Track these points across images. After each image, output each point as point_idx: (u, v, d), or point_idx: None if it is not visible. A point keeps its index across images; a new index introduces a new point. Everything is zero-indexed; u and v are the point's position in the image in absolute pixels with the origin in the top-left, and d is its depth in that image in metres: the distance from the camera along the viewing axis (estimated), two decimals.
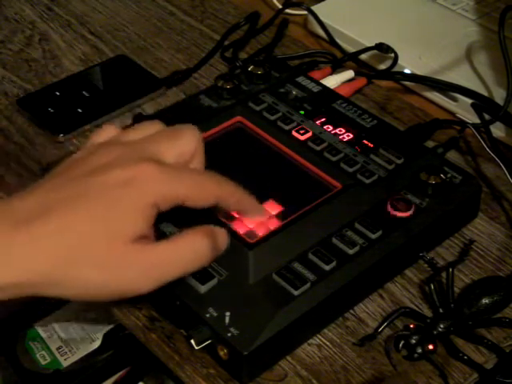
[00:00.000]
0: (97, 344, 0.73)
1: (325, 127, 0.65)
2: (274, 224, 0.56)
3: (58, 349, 0.73)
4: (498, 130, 0.69)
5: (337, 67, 0.77)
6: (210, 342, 0.52)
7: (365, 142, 0.64)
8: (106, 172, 0.49)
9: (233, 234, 0.56)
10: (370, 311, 0.57)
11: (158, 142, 0.52)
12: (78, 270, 0.48)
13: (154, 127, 0.54)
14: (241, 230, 0.56)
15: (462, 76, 0.74)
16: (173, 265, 0.50)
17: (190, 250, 0.50)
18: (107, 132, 0.54)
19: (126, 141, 0.53)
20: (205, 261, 0.51)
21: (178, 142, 0.53)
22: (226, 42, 0.81)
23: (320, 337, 0.55)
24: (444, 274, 0.57)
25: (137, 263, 0.49)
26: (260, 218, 0.56)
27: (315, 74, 0.73)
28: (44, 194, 0.49)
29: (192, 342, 0.52)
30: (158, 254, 0.49)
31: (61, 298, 0.50)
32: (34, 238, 0.47)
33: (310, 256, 0.55)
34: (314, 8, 0.82)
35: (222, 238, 0.52)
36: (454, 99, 0.73)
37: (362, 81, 0.76)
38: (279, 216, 0.57)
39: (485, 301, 0.55)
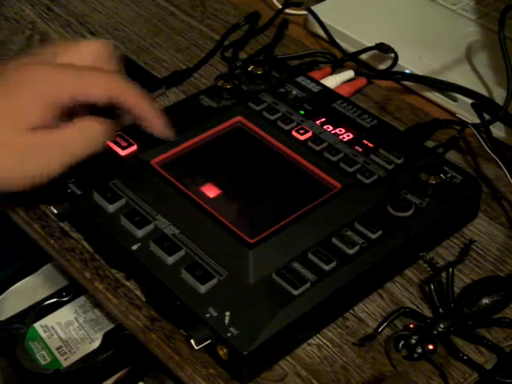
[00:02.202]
0: (97, 344, 0.73)
1: (325, 127, 0.65)
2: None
3: (57, 349, 0.73)
4: (498, 130, 0.69)
5: (337, 67, 0.77)
6: (209, 341, 0.52)
7: (365, 142, 0.64)
8: (15, 71, 0.56)
9: (233, 233, 0.56)
10: (369, 311, 0.57)
11: (60, 47, 0.59)
12: None
13: (63, 41, 0.64)
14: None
15: (461, 76, 0.74)
16: (70, 143, 0.55)
17: (84, 129, 0.56)
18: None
19: (43, 52, 0.59)
20: (99, 141, 0.57)
21: (79, 51, 0.58)
22: (226, 42, 0.81)
23: (320, 337, 0.55)
24: (444, 274, 0.57)
25: (37, 145, 0.54)
26: (160, 131, 0.59)
27: (315, 74, 0.73)
28: None
29: (192, 341, 0.52)
30: (54, 135, 0.55)
31: None
32: None
33: (310, 256, 0.55)
34: (314, 8, 0.82)
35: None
36: (454, 99, 0.73)
37: (362, 81, 0.76)
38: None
39: (485, 301, 0.55)
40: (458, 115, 0.73)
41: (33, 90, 0.55)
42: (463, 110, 0.72)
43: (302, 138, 0.64)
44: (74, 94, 0.55)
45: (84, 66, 0.57)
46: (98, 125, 0.57)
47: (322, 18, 0.81)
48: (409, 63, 0.75)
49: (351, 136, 0.64)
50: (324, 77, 0.74)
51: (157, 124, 0.59)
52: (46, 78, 0.55)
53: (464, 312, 0.55)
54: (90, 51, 0.58)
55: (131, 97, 0.57)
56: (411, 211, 0.58)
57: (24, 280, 0.80)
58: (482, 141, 0.65)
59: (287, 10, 0.84)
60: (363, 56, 0.78)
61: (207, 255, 0.55)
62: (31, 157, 0.54)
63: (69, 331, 0.74)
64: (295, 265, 0.54)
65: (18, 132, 0.54)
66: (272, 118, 0.66)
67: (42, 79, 0.55)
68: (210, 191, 0.60)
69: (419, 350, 0.52)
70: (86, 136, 0.56)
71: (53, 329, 0.74)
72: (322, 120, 0.66)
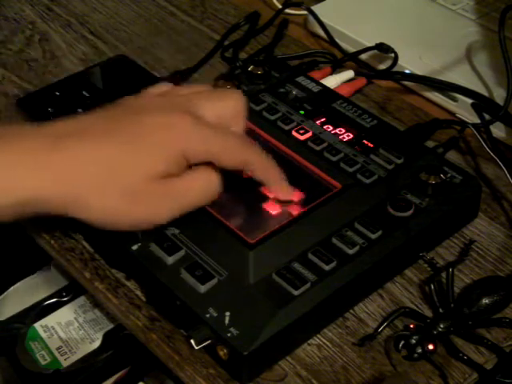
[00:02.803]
0: (97, 344, 0.73)
1: (325, 127, 0.65)
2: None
3: (57, 349, 0.73)
4: (497, 130, 0.69)
5: (337, 67, 0.77)
6: (209, 341, 0.52)
7: (365, 141, 0.64)
8: (146, 114, 0.54)
9: (233, 233, 0.56)
10: (369, 311, 0.57)
11: (203, 100, 0.56)
12: (103, 195, 0.51)
13: (203, 87, 0.59)
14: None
15: (461, 76, 0.74)
16: (188, 194, 0.54)
17: (204, 181, 0.54)
18: (161, 87, 0.59)
19: (174, 94, 0.57)
20: (215, 193, 0.55)
21: (220, 103, 0.56)
22: (226, 42, 0.81)
23: (320, 337, 0.55)
24: (444, 274, 0.57)
25: (157, 193, 0.52)
26: (285, 196, 0.58)
27: (315, 74, 0.73)
28: (86, 121, 0.54)
29: (192, 341, 0.52)
30: (175, 184, 0.53)
31: (84, 221, 0.53)
32: (71, 157, 0.51)
33: (310, 256, 0.55)
34: (314, 8, 0.82)
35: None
36: (454, 99, 0.73)
37: (362, 81, 0.76)
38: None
39: (485, 301, 0.55)
40: (458, 115, 0.73)
41: (169, 140, 0.53)
42: (463, 110, 0.72)
43: (302, 137, 0.64)
44: (208, 156, 0.54)
45: (227, 129, 0.55)
46: (218, 177, 0.55)
47: (322, 18, 0.81)
48: (409, 63, 0.75)
49: (351, 136, 0.64)
50: (324, 77, 0.74)
51: (283, 192, 0.58)
52: (188, 131, 0.53)
53: (464, 312, 0.55)
54: (231, 106, 0.57)
55: (262, 168, 0.56)
56: (411, 211, 0.58)
57: (24, 280, 0.80)
58: (481, 141, 0.65)
59: (287, 10, 0.84)
60: (363, 56, 0.78)
61: (207, 255, 0.55)
62: (144, 203, 0.52)
63: (69, 331, 0.74)
64: (295, 265, 0.54)
65: (146, 180, 0.52)
66: (272, 117, 0.66)
67: (183, 132, 0.53)
68: None
69: (419, 350, 0.52)
70: (206, 189, 0.55)
71: (53, 329, 0.74)
72: (322, 120, 0.66)
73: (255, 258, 0.54)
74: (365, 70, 0.77)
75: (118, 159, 0.52)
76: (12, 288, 0.79)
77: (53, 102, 0.72)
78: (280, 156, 0.63)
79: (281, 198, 0.58)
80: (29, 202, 0.50)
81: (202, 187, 0.55)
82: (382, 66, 0.77)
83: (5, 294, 0.79)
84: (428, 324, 0.54)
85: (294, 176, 0.61)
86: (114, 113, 0.55)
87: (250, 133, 0.65)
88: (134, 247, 0.56)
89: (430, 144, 0.68)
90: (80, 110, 0.71)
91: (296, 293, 0.53)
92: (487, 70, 0.75)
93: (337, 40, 0.80)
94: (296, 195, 0.58)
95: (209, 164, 0.54)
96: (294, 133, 0.64)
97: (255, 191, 0.60)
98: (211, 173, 0.55)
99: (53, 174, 0.51)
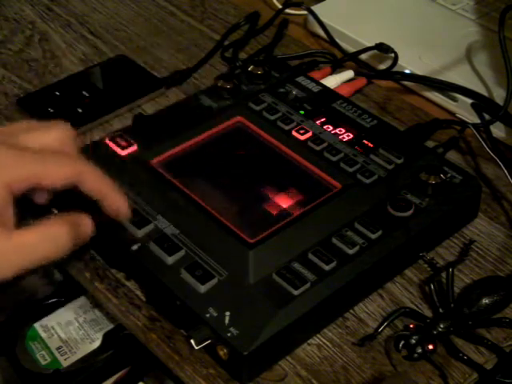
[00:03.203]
0: (97, 344, 0.73)
1: (325, 127, 0.65)
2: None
3: (57, 349, 0.73)
4: (498, 130, 0.69)
5: (337, 67, 0.77)
6: (209, 341, 0.52)
7: (365, 141, 0.64)
8: None
9: (233, 233, 0.56)
10: (369, 311, 0.57)
11: (24, 131, 0.54)
12: None
13: (25, 122, 0.56)
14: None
15: (461, 76, 0.74)
16: (32, 250, 0.50)
17: (48, 237, 0.51)
18: None
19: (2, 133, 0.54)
20: (64, 248, 0.51)
21: (43, 133, 0.54)
22: (226, 42, 0.81)
23: (320, 337, 0.55)
24: (444, 274, 0.57)
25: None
26: (122, 205, 0.55)
27: (315, 74, 0.73)
28: None
29: (192, 341, 0.52)
30: (17, 239, 0.50)
31: None
32: None
33: (310, 256, 0.55)
34: (314, 8, 0.82)
35: (86, 227, 0.53)
36: (454, 99, 0.73)
37: (362, 81, 0.76)
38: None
39: (485, 301, 0.55)
40: (458, 115, 0.73)
41: None
42: (463, 110, 0.72)
43: (302, 138, 0.64)
44: (32, 180, 0.51)
45: (44, 149, 0.53)
46: (63, 228, 0.51)
47: (322, 18, 0.81)
48: (409, 63, 0.75)
49: (351, 136, 0.64)
50: (324, 77, 0.74)
51: (119, 201, 0.55)
52: (4, 160, 0.51)
53: (464, 312, 0.55)
54: (55, 135, 0.55)
55: (92, 180, 0.54)
56: (411, 211, 0.58)
57: (24, 280, 0.80)
58: (482, 141, 0.65)
59: (287, 10, 0.84)
60: (363, 56, 0.78)
61: (207, 255, 0.55)
62: None
63: (69, 331, 0.74)
64: (295, 265, 0.54)
65: None
66: (272, 117, 0.66)
67: (2, 164, 0.50)
68: (211, 191, 0.60)
69: (419, 350, 0.52)
70: (48, 242, 0.51)
71: (53, 329, 0.74)
72: (322, 120, 0.66)
73: (255, 257, 0.54)
74: (365, 70, 0.77)
75: None
76: (12, 288, 0.79)
77: (53, 102, 0.72)
78: (280, 156, 0.63)
79: (117, 207, 0.55)
80: None
81: (46, 242, 0.51)
82: (382, 66, 0.77)
83: (5, 294, 0.79)
84: (428, 324, 0.54)
85: (294, 176, 0.61)
86: None
87: (250, 133, 0.65)
88: (134, 247, 0.56)
89: (430, 144, 0.68)
90: (80, 111, 0.71)
91: (296, 293, 0.53)
92: (487, 70, 0.75)
93: (337, 40, 0.80)
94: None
95: (56, 217, 0.52)
96: (294, 133, 0.64)
97: (255, 191, 0.60)
98: (54, 224, 0.51)
99: None
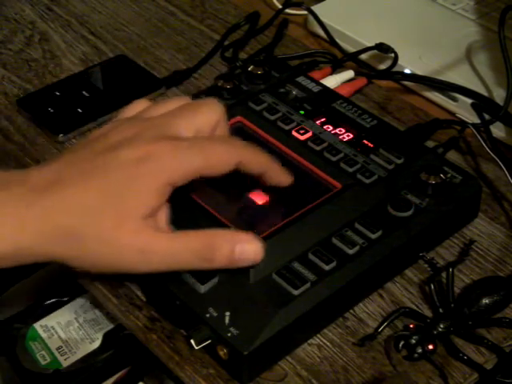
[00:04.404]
0: (97, 344, 0.73)
1: (325, 127, 0.65)
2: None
3: (57, 349, 0.73)
4: (497, 130, 0.69)
5: (337, 67, 0.77)
6: (209, 341, 0.52)
7: (365, 141, 0.64)
8: (121, 149, 0.50)
9: None
10: (369, 311, 0.57)
11: (178, 118, 0.53)
12: (84, 244, 0.49)
13: (177, 102, 0.55)
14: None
15: (462, 76, 0.74)
16: (171, 257, 0.50)
17: (189, 250, 0.50)
18: (135, 107, 0.55)
19: (148, 117, 0.54)
20: (204, 266, 0.51)
21: (196, 119, 0.53)
22: (226, 42, 0.81)
23: (320, 337, 0.55)
24: (444, 274, 0.57)
25: (141, 246, 0.49)
26: (286, 180, 0.56)
27: (315, 74, 0.73)
28: (61, 166, 0.51)
29: (192, 341, 0.52)
30: (163, 242, 0.50)
31: (68, 267, 0.51)
32: (46, 208, 0.48)
33: (310, 256, 0.55)
34: (314, 8, 0.82)
35: (242, 248, 0.51)
36: (454, 99, 0.73)
37: (362, 81, 0.76)
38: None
39: (485, 301, 0.55)
40: (458, 115, 0.73)
41: (151, 173, 0.49)
42: (463, 110, 0.72)
43: (302, 138, 0.64)
44: (195, 174, 0.51)
45: (199, 137, 0.52)
46: (225, 247, 0.50)
47: (322, 18, 0.81)
48: (409, 63, 0.75)
49: (351, 136, 0.64)
50: (324, 77, 0.74)
51: (282, 176, 0.56)
52: (168, 158, 0.50)
53: (464, 312, 0.55)
54: (207, 118, 0.53)
55: (254, 162, 0.54)
56: (411, 211, 0.58)
57: (24, 280, 0.80)
58: (481, 141, 0.65)
59: (287, 10, 0.84)
60: (363, 56, 0.78)
61: None
62: (129, 255, 0.50)
63: (69, 331, 0.74)
64: (295, 265, 0.54)
65: (122, 225, 0.49)
66: (272, 117, 0.66)
67: (162, 160, 0.50)
68: (211, 191, 0.60)
69: (419, 350, 0.52)
70: (199, 256, 0.51)
71: (53, 329, 0.74)
72: (322, 120, 0.66)
73: None
74: (365, 70, 0.77)
75: (96, 208, 0.49)
76: (12, 288, 0.79)
77: (53, 102, 0.72)
78: (280, 156, 0.63)
79: (283, 183, 0.56)
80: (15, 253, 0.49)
81: (185, 254, 0.51)
82: (382, 66, 0.77)
83: (5, 294, 0.79)
84: (428, 324, 0.54)
85: (294, 176, 0.61)
86: (87, 151, 0.51)
87: (250, 133, 0.65)
88: None
89: (430, 144, 0.68)
90: (80, 111, 0.71)
91: (296, 293, 0.53)
92: (487, 70, 0.75)
93: (337, 40, 0.80)
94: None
95: (208, 231, 0.51)
96: (294, 133, 0.64)
97: (255, 191, 0.60)
98: (197, 241, 0.51)
99: (30, 227, 0.48)
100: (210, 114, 0.54)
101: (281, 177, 0.56)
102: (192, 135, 0.52)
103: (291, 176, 0.57)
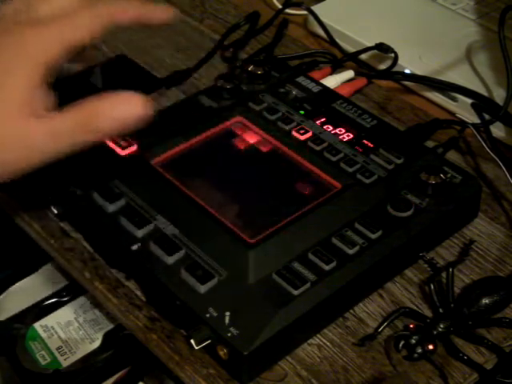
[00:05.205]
0: (97, 344, 0.73)
1: (325, 127, 0.65)
2: None
3: (57, 349, 0.73)
4: (497, 130, 0.69)
5: (337, 67, 0.77)
6: (209, 341, 0.52)
7: (365, 141, 0.64)
8: None
9: (233, 233, 0.56)
10: (369, 311, 0.57)
11: (41, 3, 0.51)
12: None
13: None
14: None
15: (462, 76, 0.74)
16: (65, 138, 0.49)
17: (69, 126, 0.49)
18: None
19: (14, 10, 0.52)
20: (90, 137, 0.49)
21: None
22: (226, 42, 0.81)
23: (320, 337, 0.55)
24: (444, 274, 0.57)
25: (20, 134, 0.48)
26: (167, 18, 0.54)
27: (315, 74, 0.73)
28: None
29: (192, 341, 0.52)
30: (49, 124, 0.48)
31: None
32: None
33: (310, 256, 0.55)
34: (314, 8, 0.82)
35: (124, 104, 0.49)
36: (454, 99, 0.73)
37: (362, 81, 0.76)
38: None
39: (485, 301, 0.55)
40: (458, 115, 0.73)
41: (18, 59, 0.48)
42: (463, 110, 0.72)
43: (302, 137, 0.64)
44: (65, 46, 0.49)
45: (67, 11, 0.50)
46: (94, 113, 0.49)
47: (322, 18, 0.81)
48: (409, 63, 0.75)
49: (351, 136, 0.64)
50: (324, 77, 0.74)
51: (160, 13, 0.53)
52: (30, 40, 0.48)
53: (464, 312, 0.55)
54: None
55: (125, 14, 0.51)
56: (411, 211, 0.58)
57: (24, 280, 0.80)
58: (481, 141, 0.65)
59: (287, 10, 0.84)
60: (363, 56, 0.78)
61: (207, 255, 0.55)
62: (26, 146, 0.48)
63: (69, 331, 0.74)
64: (295, 265, 0.54)
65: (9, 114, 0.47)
66: (272, 117, 0.66)
67: (26, 44, 0.48)
68: (211, 191, 0.60)
69: (419, 350, 0.52)
70: (84, 131, 0.49)
71: (53, 329, 0.74)
72: (322, 120, 0.66)
73: (255, 257, 0.54)
74: (365, 70, 0.77)
75: None
76: (12, 288, 0.79)
77: None
78: (280, 156, 0.63)
79: (164, 19, 0.53)
80: None
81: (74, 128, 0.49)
82: (382, 66, 0.77)
83: (5, 293, 0.79)
84: (428, 324, 0.54)
85: (294, 176, 0.61)
86: None
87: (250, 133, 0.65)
88: (134, 247, 0.56)
89: (430, 144, 0.68)
90: None
91: (296, 293, 0.53)
92: (487, 70, 0.75)
93: (337, 40, 0.80)
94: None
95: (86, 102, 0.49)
96: (294, 133, 0.64)
97: (255, 191, 0.60)
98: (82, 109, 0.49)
99: None
100: None
101: (159, 13, 0.54)
102: (58, 13, 0.51)
103: (170, 10, 0.54)
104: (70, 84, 0.75)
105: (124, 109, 0.49)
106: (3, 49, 0.49)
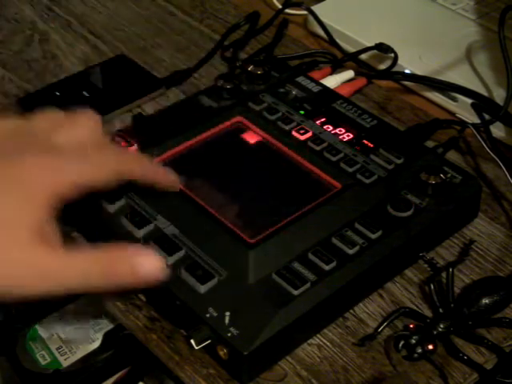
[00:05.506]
0: (97, 344, 0.73)
1: (325, 127, 0.65)
2: None
3: (57, 349, 0.73)
4: (497, 130, 0.69)
5: (337, 67, 0.77)
6: (209, 341, 0.52)
7: (365, 141, 0.64)
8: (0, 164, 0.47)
9: (233, 233, 0.56)
10: (369, 311, 0.57)
11: (57, 131, 0.51)
12: None
13: (52, 116, 0.53)
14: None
15: (461, 76, 0.74)
16: (81, 276, 0.47)
17: (80, 269, 0.47)
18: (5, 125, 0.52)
19: (27, 132, 0.51)
20: (92, 286, 0.47)
21: (75, 129, 0.51)
22: (226, 42, 0.81)
23: (320, 337, 0.55)
24: (444, 274, 0.57)
25: (34, 261, 0.46)
26: (173, 188, 0.56)
27: (315, 74, 0.73)
28: None
29: (192, 341, 0.52)
30: (66, 260, 0.47)
31: None
32: None
33: (310, 256, 0.55)
34: (314, 8, 0.82)
35: (130, 263, 0.48)
36: (454, 99, 0.73)
37: (362, 81, 0.76)
38: None
39: (485, 301, 0.55)
40: (458, 115, 0.73)
41: (27, 188, 0.46)
42: (463, 110, 0.72)
43: (302, 137, 0.64)
44: (78, 183, 0.48)
45: (81, 147, 0.50)
46: (105, 266, 0.47)
47: (322, 18, 0.81)
48: (409, 63, 0.75)
49: (351, 136, 0.64)
50: (324, 77, 0.74)
51: (166, 181, 0.56)
52: (43, 169, 0.47)
53: (464, 312, 0.55)
54: (81, 127, 0.52)
55: (137, 168, 0.53)
56: (411, 211, 0.58)
57: None
58: (481, 141, 0.65)
59: (287, 10, 0.84)
60: (363, 56, 0.78)
61: (207, 255, 0.55)
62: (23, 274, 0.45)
63: (69, 331, 0.74)
64: (295, 265, 0.54)
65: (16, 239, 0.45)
66: (272, 117, 0.66)
67: (37, 172, 0.47)
68: (211, 191, 0.60)
69: (419, 350, 0.52)
70: (85, 277, 0.47)
71: (53, 329, 0.74)
72: (322, 120, 0.66)
73: (255, 257, 0.54)
74: (365, 70, 0.77)
75: None
76: None
77: (53, 102, 0.72)
78: (280, 156, 0.63)
79: (173, 187, 0.56)
80: None
81: (76, 273, 0.46)
82: (382, 66, 0.77)
83: None
84: (428, 324, 0.54)
85: (294, 176, 0.61)
86: None
87: (250, 133, 0.65)
88: None
89: (430, 144, 0.68)
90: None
91: (296, 293, 0.53)
92: (487, 70, 0.75)
93: (337, 40, 0.80)
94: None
95: (100, 249, 0.47)
96: (294, 133, 0.64)
97: (255, 191, 0.60)
98: (89, 260, 0.47)
99: None
100: (85, 124, 0.52)
101: (169, 179, 0.56)
102: (72, 147, 0.51)
103: (176, 178, 0.56)
104: (69, 84, 0.75)
105: (147, 269, 0.48)
106: (17, 176, 0.47)
